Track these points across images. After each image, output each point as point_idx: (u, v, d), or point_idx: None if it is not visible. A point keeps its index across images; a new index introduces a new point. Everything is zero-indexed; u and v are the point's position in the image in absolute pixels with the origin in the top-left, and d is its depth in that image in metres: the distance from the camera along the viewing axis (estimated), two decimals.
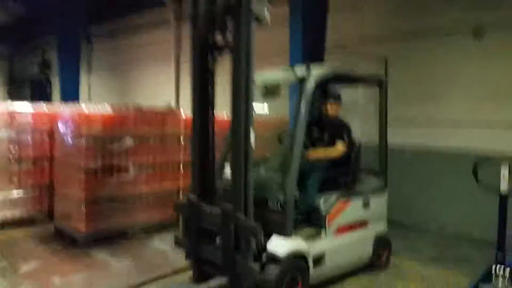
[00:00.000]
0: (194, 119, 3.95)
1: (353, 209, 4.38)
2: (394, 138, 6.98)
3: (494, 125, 6.04)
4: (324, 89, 4.65)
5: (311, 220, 4.13)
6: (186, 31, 10.90)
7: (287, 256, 3.66)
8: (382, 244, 4.78)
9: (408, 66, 7.04)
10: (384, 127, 4.95)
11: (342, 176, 4.46)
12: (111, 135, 5.54)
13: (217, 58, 3.92)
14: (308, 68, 3.91)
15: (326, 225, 4.09)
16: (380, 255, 4.77)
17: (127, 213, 5.70)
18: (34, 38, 16.20)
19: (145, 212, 5.89)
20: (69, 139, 5.56)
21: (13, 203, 6.10)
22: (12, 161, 6.09)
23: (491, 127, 6.07)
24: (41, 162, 6.30)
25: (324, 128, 4.61)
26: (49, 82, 16.57)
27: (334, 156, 4.42)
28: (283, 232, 3.75)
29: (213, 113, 3.99)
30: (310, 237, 3.98)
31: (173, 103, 9.48)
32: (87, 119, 5.36)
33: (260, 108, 7.18)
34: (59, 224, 5.81)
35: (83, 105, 5.47)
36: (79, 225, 5.34)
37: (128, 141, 5.69)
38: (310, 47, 6.53)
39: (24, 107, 6.33)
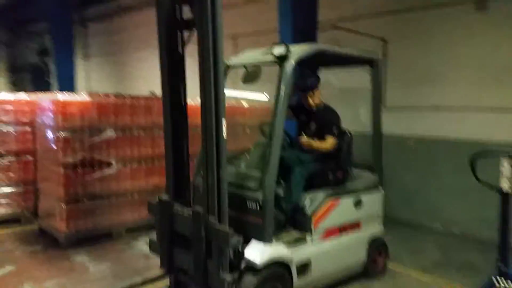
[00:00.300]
0: (164, 107, 3.58)
1: (343, 209, 4.02)
2: (395, 125, 6.62)
3: (504, 111, 5.58)
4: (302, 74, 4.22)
5: (295, 223, 3.80)
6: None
7: (266, 265, 3.34)
8: (377, 248, 4.41)
9: (407, 45, 6.57)
10: (377, 114, 4.48)
11: (331, 172, 4.09)
12: (90, 126, 5.19)
13: (187, 37, 3.54)
14: (286, 46, 3.51)
15: (312, 228, 3.75)
16: (375, 261, 4.39)
17: (111, 211, 5.43)
18: (31, 24, 15.88)
19: (131, 211, 5.58)
20: (47, 131, 5.26)
21: None
22: None
23: (500, 113, 5.62)
24: (24, 157, 6.04)
25: (310, 117, 4.22)
26: (48, 69, 16.31)
27: (325, 150, 4.05)
28: (261, 237, 3.42)
29: (185, 100, 3.64)
30: (294, 242, 3.65)
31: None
32: (63, 109, 5.01)
33: (259, 95, 6.82)
34: (42, 223, 5.58)
35: (59, 94, 5.14)
36: (60, 225, 5.09)
37: (109, 132, 5.37)
38: (301, 26, 6.07)
39: (4, 97, 6.04)
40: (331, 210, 3.91)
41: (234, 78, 4.37)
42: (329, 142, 4.02)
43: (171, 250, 3.57)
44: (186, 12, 3.48)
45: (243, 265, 3.35)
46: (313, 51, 3.76)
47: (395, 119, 6.61)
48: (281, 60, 3.57)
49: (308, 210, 3.76)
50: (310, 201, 3.80)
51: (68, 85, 11.18)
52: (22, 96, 6.21)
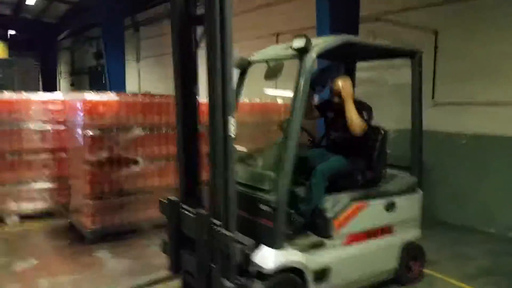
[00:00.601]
0: (177, 105, 3.41)
1: (371, 213, 3.60)
2: (446, 122, 6.04)
3: None
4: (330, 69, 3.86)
5: (315, 226, 3.44)
6: None
7: (276, 271, 3.03)
8: (412, 254, 3.95)
9: (460, 36, 5.94)
10: (417, 109, 4.02)
11: (360, 172, 3.69)
12: (117, 124, 5.16)
13: (200, 34, 3.34)
14: (306, 39, 3.18)
15: (333, 233, 3.37)
16: (409, 267, 3.95)
17: (137, 208, 5.35)
18: (90, 29, 16.61)
19: (157, 207, 5.47)
20: (77, 130, 5.28)
21: (33, 195, 6.02)
22: (30, 152, 5.97)
23: None
24: (59, 154, 6.13)
25: (338, 113, 3.83)
26: (103, 71, 16.99)
27: (355, 127, 3.53)
28: (272, 241, 3.11)
29: (197, 99, 3.43)
30: (311, 247, 3.30)
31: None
32: (91, 108, 5.00)
33: (284, 93, 6.53)
34: (72, 218, 5.60)
35: (88, 94, 5.14)
36: (86, 221, 5.08)
37: (137, 131, 5.30)
38: (340, 19, 5.67)
39: (40, 97, 6.19)
40: (357, 213, 3.50)
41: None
42: (359, 121, 3.54)
43: (179, 252, 3.38)
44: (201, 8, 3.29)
45: (252, 270, 3.06)
46: (338, 43, 3.38)
47: (446, 115, 6.05)
48: (301, 53, 3.24)
49: (329, 213, 3.39)
50: (332, 203, 3.43)
51: (119, 85, 11.65)
52: (58, 96, 6.32)
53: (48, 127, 6.08)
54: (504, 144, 5.49)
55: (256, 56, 3.92)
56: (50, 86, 17.45)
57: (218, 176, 2.95)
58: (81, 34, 17.94)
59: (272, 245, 3.10)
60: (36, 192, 6.04)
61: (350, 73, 4.34)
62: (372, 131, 3.80)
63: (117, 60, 12.01)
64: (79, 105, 5.12)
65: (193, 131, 3.43)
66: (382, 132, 3.84)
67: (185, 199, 3.40)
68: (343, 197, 3.49)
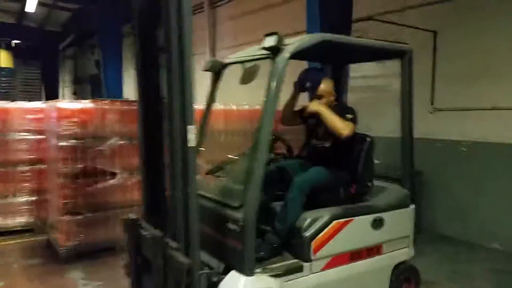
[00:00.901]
0: (138, 113, 3.11)
1: (356, 231, 3.21)
2: (445, 128, 5.68)
3: None
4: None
5: (292, 248, 3.08)
6: (222, 17, 10.36)
7: None
8: (404, 274, 3.56)
9: (461, 36, 5.57)
10: (407, 115, 3.63)
11: (343, 185, 3.33)
12: (93, 133, 4.87)
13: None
14: (278, 37, 2.84)
15: (311, 255, 3.01)
16: None
17: (115, 224, 5.03)
18: (90, 36, 16.49)
19: None
20: (51, 139, 5.00)
21: (11, 210, 5.75)
22: (9, 164, 5.71)
23: None
24: (38, 166, 5.85)
25: (319, 119, 3.40)
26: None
27: (340, 130, 3.08)
28: (241, 266, 2.75)
29: (161, 106, 3.11)
30: (287, 272, 2.93)
31: None
32: (64, 116, 4.72)
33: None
34: (49, 235, 5.32)
35: (62, 102, 4.88)
36: (60, 238, 4.78)
37: (114, 140, 5.00)
38: (331, 17, 5.32)
39: (19, 105, 5.93)
40: (339, 232, 3.13)
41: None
42: (342, 123, 3.11)
43: (140, 277, 3.05)
44: None
45: None
46: (313, 42, 3.01)
47: (445, 121, 5.68)
48: (273, 53, 2.91)
49: (307, 233, 3.02)
50: (311, 221, 3.06)
51: (116, 93, 11.49)
52: (38, 104, 6.06)
53: (29, 137, 5.82)
54: (508, 153, 5.08)
55: (231, 58, 3.59)
56: (52, 95, 17.40)
57: (177, 191, 2.64)
58: (83, 43, 17.84)
59: (241, 270, 2.74)
60: (15, 206, 5.77)
61: (337, 76, 3.99)
62: (357, 139, 3.44)
63: (114, 67, 11.90)
64: (53, 113, 4.85)
65: (157, 141, 3.12)
66: (368, 139, 3.48)
67: (147, 217, 3.08)
68: (324, 214, 3.12)
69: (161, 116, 3.09)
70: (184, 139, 2.61)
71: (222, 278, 2.75)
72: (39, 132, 5.82)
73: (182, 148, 2.62)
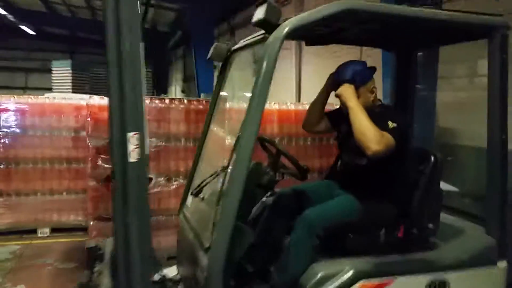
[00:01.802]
0: (110, 111, 2.46)
1: None
2: None
3: None
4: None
5: None
6: None
7: None
8: None
9: None
10: (498, 119, 2.33)
11: (386, 224, 2.25)
12: None
13: None
14: (269, 5, 1.91)
15: None
16: None
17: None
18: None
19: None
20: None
21: (66, 206, 5.63)
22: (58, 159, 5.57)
23: None
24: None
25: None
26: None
27: (368, 144, 2.03)
28: None
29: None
30: None
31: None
32: (95, 113, 4.36)
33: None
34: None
35: (93, 98, 4.54)
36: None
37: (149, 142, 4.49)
38: None
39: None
40: None
41: None
42: (380, 135, 2.06)
43: None
44: None
45: None
46: (327, 13, 1.98)
47: None
48: (268, 31, 2.01)
49: None
50: (322, 277, 2.06)
51: (208, 90, 11.60)
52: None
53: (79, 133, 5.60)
54: None
55: (239, 44, 2.74)
56: (162, 91, 18.36)
57: (118, 218, 1.94)
58: (189, 42, 18.35)
59: None
60: (69, 203, 5.64)
61: (402, 68, 2.86)
62: (415, 157, 2.33)
63: (207, 67, 12.22)
64: (84, 111, 4.53)
65: None
66: (432, 158, 2.31)
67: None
68: (346, 267, 2.09)
69: None
70: (125, 151, 1.88)
71: None
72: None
73: (122, 162, 1.90)
